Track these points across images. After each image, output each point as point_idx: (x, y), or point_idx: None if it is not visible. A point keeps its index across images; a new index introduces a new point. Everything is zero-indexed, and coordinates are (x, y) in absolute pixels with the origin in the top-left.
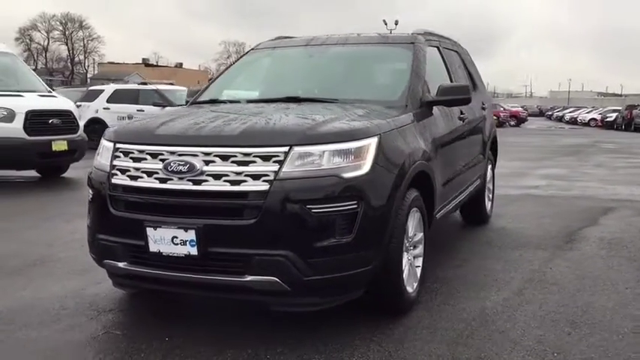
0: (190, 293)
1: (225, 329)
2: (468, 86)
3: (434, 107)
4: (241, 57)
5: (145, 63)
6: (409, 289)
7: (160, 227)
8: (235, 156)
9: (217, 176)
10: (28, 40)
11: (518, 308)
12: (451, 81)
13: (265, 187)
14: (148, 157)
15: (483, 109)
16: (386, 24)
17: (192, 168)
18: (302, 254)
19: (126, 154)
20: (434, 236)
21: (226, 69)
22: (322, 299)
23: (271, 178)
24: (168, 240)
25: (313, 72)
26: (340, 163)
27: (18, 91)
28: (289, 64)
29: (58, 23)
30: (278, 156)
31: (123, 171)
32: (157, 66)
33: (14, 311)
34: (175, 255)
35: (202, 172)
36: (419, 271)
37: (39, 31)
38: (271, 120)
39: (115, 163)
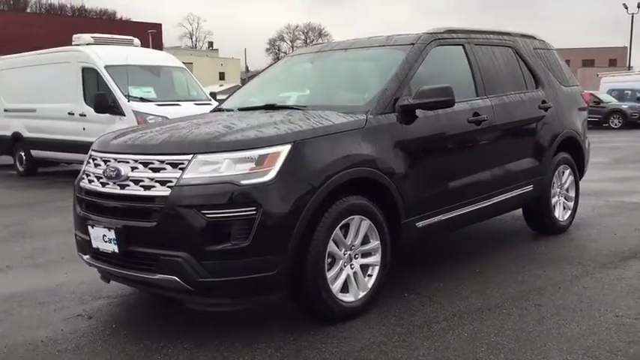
0: (128, 285)
1: (167, 324)
2: (448, 88)
3: (417, 111)
4: (271, 65)
5: None
6: (347, 299)
7: (95, 226)
8: (153, 163)
9: (137, 181)
10: (276, 50)
11: (459, 327)
12: (474, 80)
13: (167, 192)
14: (102, 163)
15: (543, 108)
16: (626, 8)
17: (119, 174)
18: (197, 256)
19: (93, 160)
20: (470, 247)
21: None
22: (232, 300)
23: (173, 184)
24: (101, 238)
25: (306, 79)
26: (240, 171)
27: (177, 101)
28: (293, 72)
29: (300, 33)
30: (183, 163)
31: (87, 175)
32: None
33: (34, 292)
34: (106, 251)
35: (128, 178)
36: (371, 280)
37: (285, 41)
38: (199, 129)
39: (85, 168)
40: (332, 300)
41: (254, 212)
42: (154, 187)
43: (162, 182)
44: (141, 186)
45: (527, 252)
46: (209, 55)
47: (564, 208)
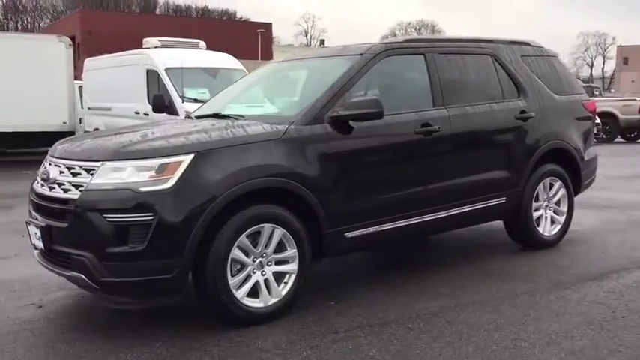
0: None
1: (96, 318)
2: (377, 100)
3: (352, 122)
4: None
5: None
6: (255, 304)
7: (30, 224)
8: (74, 168)
9: (60, 184)
10: None
11: (351, 340)
12: (432, 90)
13: (77, 195)
14: (49, 166)
15: (521, 118)
16: None
17: (48, 177)
18: (99, 257)
19: (45, 163)
20: (440, 258)
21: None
22: (134, 299)
23: (84, 188)
24: (34, 235)
25: (263, 89)
26: (141, 178)
27: None
28: (257, 81)
29: (412, 30)
30: (94, 169)
31: (38, 177)
32: None
33: (14, 280)
34: (38, 247)
35: (55, 181)
36: (286, 287)
37: None
38: (121, 137)
39: (39, 170)
40: (234, 305)
41: (150, 218)
42: (70, 190)
43: (77, 186)
44: (62, 189)
45: (490, 266)
46: None
47: (552, 222)
